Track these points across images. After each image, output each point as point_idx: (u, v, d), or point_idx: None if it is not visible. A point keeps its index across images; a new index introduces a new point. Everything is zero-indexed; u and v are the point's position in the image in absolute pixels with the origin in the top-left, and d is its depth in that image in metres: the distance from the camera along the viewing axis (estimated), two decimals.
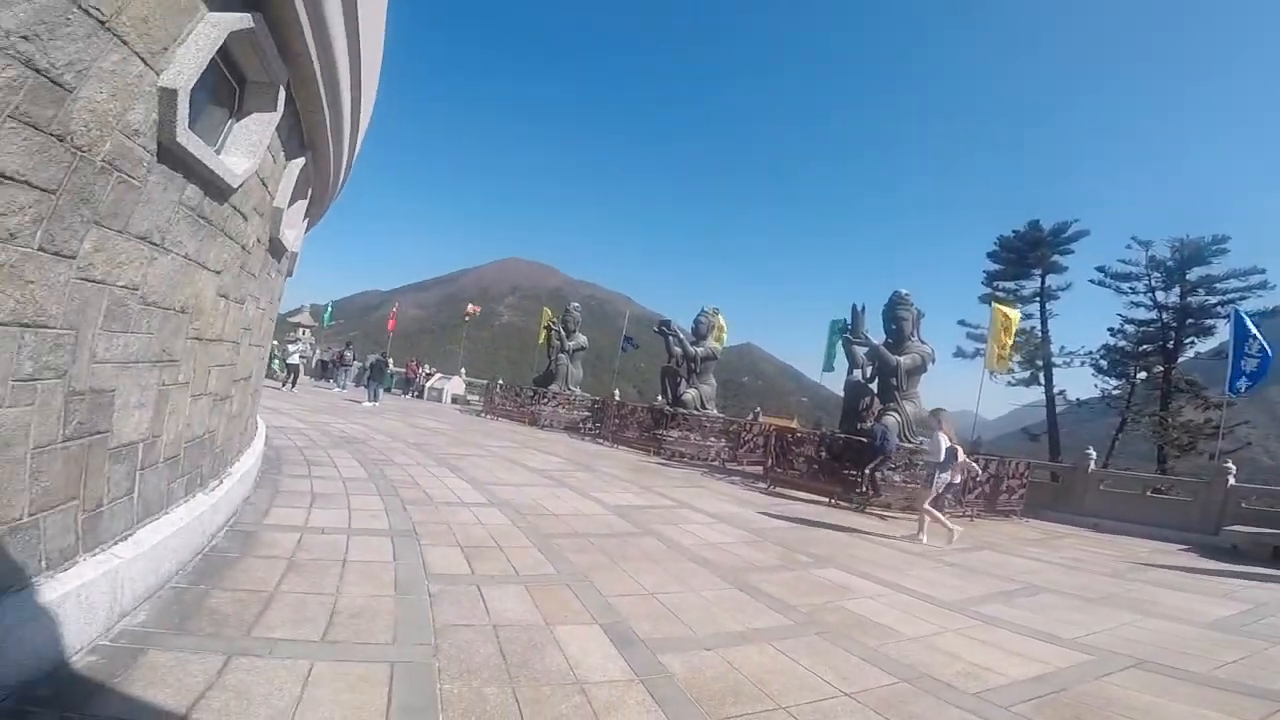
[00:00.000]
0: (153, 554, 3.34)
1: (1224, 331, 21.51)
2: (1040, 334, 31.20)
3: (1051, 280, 31.62)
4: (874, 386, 13.38)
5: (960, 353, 31.93)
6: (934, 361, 13.24)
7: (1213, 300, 27.67)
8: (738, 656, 3.67)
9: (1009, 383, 30.85)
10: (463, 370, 35.90)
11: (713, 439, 17.56)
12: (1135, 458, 30.66)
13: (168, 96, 2.76)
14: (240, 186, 3.81)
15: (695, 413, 17.84)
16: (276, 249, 5.73)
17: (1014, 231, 32.41)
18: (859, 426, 12.89)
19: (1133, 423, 28.84)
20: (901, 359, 12.73)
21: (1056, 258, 31.20)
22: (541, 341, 25.37)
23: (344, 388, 27.30)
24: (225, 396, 4.99)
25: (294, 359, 23.73)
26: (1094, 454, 15.79)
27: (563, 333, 23.58)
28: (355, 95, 5.63)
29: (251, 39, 3.47)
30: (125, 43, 2.43)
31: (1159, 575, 8.31)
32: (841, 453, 12.30)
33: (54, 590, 2.53)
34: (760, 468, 14.10)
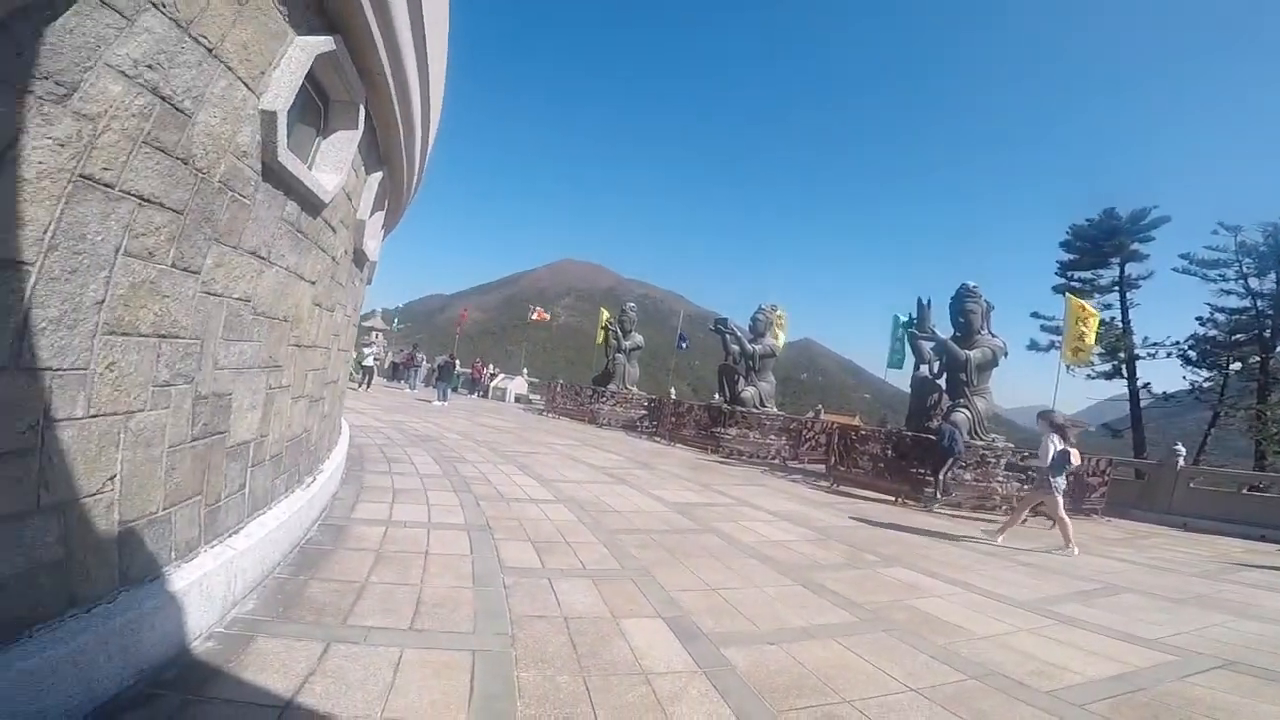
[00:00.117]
0: (260, 546, 3.58)
1: None
2: (1121, 325, 29.52)
3: (1131, 269, 29.91)
4: (942, 382, 12.98)
5: (1034, 346, 30.60)
6: (1006, 355, 12.72)
7: None
8: (801, 651, 3.66)
9: (1088, 376, 29.31)
10: (525, 370, 36.76)
11: (772, 437, 17.36)
12: (1230, 454, 28.64)
13: (268, 118, 2.97)
14: (330, 201, 4.06)
15: (754, 410, 17.68)
16: (359, 259, 6.06)
17: (1088, 220, 30.81)
18: (927, 424, 12.53)
19: (1226, 417, 26.96)
20: (971, 353, 12.29)
21: (1136, 245, 29.45)
22: (600, 341, 25.70)
23: (414, 388, 28.34)
24: (318, 398, 5.32)
25: (369, 361, 24.68)
26: (1183, 450, 14.90)
27: (619, 332, 23.81)
28: (424, 110, 5.89)
29: (334, 60, 3.67)
30: (230, 68, 2.63)
31: (1255, 576, 7.81)
32: (909, 451, 11.98)
33: (181, 580, 2.74)
34: (822, 466, 13.88)
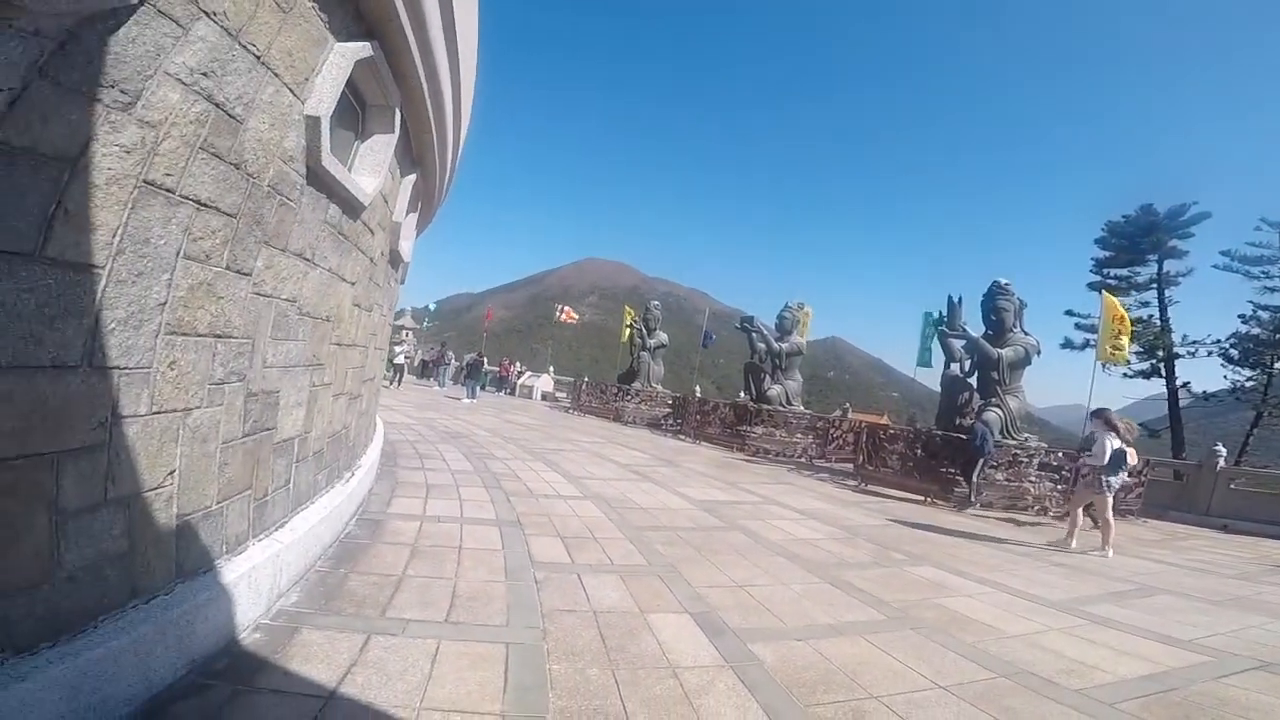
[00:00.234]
0: (304, 540, 3.69)
1: None
2: (1159, 323, 28.67)
3: (1170, 265, 28.96)
4: (974, 381, 12.79)
5: (1068, 344, 29.84)
6: (1039, 354, 12.49)
7: None
8: (828, 648, 3.68)
9: (1125, 375, 28.48)
10: (550, 369, 37.03)
11: (799, 435, 17.24)
12: (1274, 455, 27.61)
13: (313, 124, 3.06)
14: (369, 204, 4.16)
15: (781, 409, 17.58)
16: (395, 259, 6.19)
17: (1124, 216, 29.91)
18: (958, 423, 12.36)
19: (1270, 417, 26.01)
20: (1003, 351, 12.10)
21: (1175, 242, 28.54)
22: (624, 339, 25.76)
23: (443, 385, 28.73)
24: (356, 395, 5.46)
25: (399, 359, 25.11)
26: (1223, 451, 14.50)
27: (644, 330, 23.87)
28: (456, 112, 5.99)
29: (371, 66, 3.76)
30: (277, 75, 2.71)
31: None
32: (939, 450, 11.82)
33: (232, 572, 2.84)
34: (850, 465, 13.76)
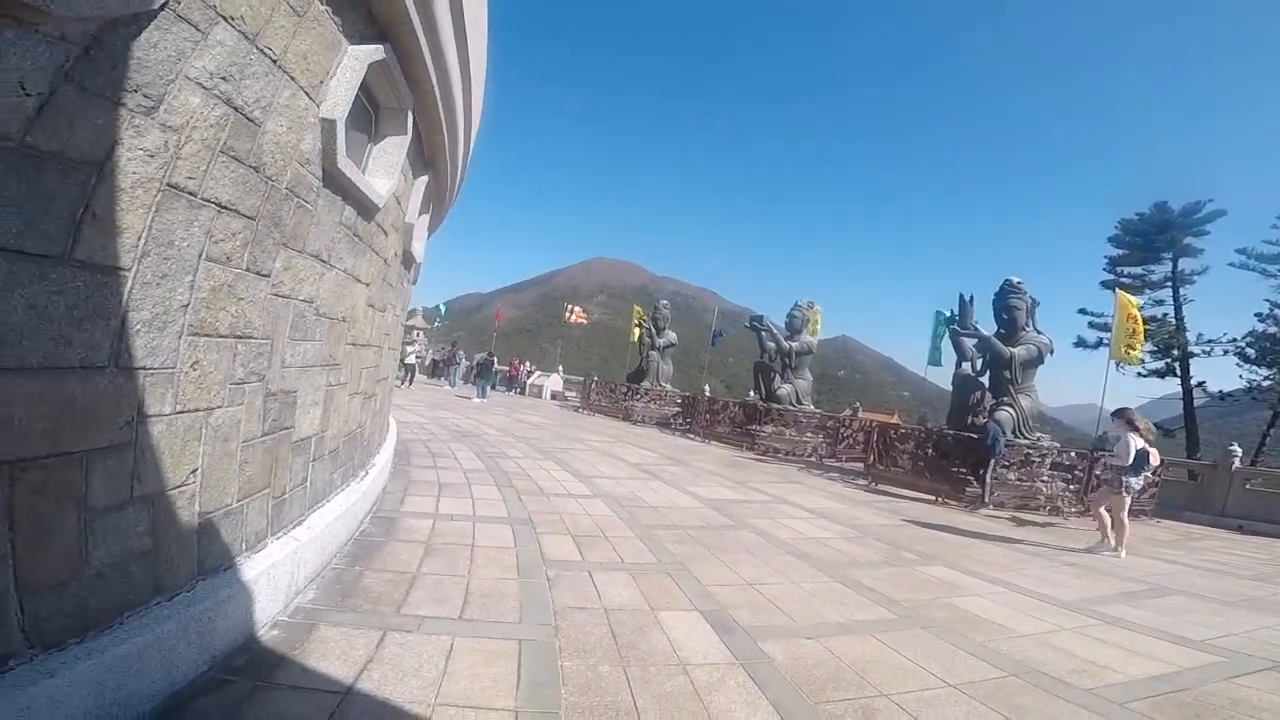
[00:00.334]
0: (320, 538, 3.73)
1: None
2: (1174, 321, 28.36)
3: (1185, 264, 28.62)
4: (986, 380, 12.71)
5: (1081, 343, 29.58)
6: (1052, 352, 12.39)
7: None
8: (839, 646, 3.69)
9: (1139, 374, 28.17)
10: (560, 368, 37.14)
11: (809, 434, 17.20)
12: None
13: (328, 126, 3.09)
14: (383, 205, 4.20)
15: (791, 408, 17.54)
16: (408, 260, 6.24)
17: (1138, 214, 29.60)
18: (970, 422, 12.29)
19: None
20: (1015, 350, 12.03)
21: (1190, 240, 28.21)
22: (634, 339, 25.78)
23: (454, 385, 28.88)
24: (371, 395, 5.51)
25: (410, 359, 25.26)
26: (1239, 451, 14.35)
27: (654, 330, 23.87)
28: (467, 113, 6.02)
29: (384, 68, 3.79)
30: (293, 79, 2.74)
31: None
32: (951, 450, 11.76)
33: (251, 569, 2.88)
34: (860, 464, 13.72)
